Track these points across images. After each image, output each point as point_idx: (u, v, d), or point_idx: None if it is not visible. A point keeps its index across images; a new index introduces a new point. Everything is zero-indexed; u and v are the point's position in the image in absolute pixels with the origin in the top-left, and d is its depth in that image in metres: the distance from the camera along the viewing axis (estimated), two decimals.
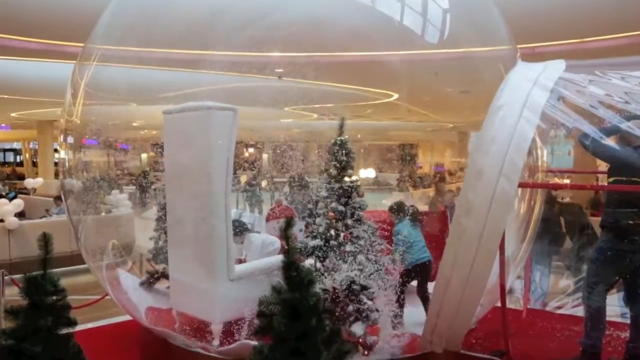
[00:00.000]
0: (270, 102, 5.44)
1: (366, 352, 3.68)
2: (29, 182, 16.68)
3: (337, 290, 3.71)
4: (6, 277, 5.57)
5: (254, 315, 2.14)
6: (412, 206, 4.72)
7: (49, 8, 7.37)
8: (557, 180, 5.90)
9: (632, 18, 7.33)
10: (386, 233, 4.13)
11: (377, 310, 3.73)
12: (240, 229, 4.66)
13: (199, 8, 4.52)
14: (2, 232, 9.05)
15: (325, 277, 3.70)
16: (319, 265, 3.77)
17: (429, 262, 4.45)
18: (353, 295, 3.68)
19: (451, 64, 4.89)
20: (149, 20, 4.51)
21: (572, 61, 3.75)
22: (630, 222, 3.60)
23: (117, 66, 4.79)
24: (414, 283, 4.54)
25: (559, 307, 5.56)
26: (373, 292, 3.74)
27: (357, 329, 3.65)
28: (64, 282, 2.38)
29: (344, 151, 3.83)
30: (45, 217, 11.07)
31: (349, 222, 3.80)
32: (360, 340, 3.65)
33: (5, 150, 36.77)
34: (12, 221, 9.17)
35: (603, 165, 4.13)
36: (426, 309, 4.31)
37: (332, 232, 3.79)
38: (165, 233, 4.70)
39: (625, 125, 3.37)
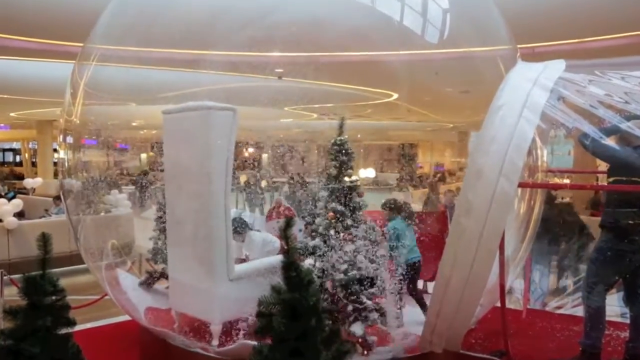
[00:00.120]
0: (270, 102, 5.43)
1: (366, 352, 3.68)
2: (28, 182, 16.66)
3: (336, 290, 3.71)
4: (5, 277, 5.56)
5: (254, 316, 2.13)
6: (405, 203, 4.71)
7: (49, 8, 7.36)
8: (557, 180, 5.90)
9: (632, 18, 7.32)
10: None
11: (377, 310, 3.73)
12: (242, 227, 4.66)
13: (199, 8, 4.52)
14: (1, 232, 9.04)
15: (325, 277, 3.70)
16: (318, 265, 3.77)
17: (419, 262, 4.46)
18: (353, 295, 3.68)
19: (451, 64, 4.89)
20: (148, 20, 4.51)
21: (572, 61, 3.74)
22: (630, 222, 3.60)
23: (117, 66, 4.79)
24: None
25: (559, 307, 5.56)
26: (373, 293, 3.74)
27: (357, 329, 3.64)
28: (63, 282, 2.38)
29: (343, 151, 3.83)
30: (44, 217, 11.06)
31: (349, 222, 3.80)
32: (360, 340, 3.65)
33: (4, 150, 36.76)
34: (11, 221, 9.15)
35: (603, 165, 4.13)
36: (422, 309, 4.33)
37: (332, 232, 3.78)
38: (165, 233, 4.70)
39: (625, 125, 3.37)
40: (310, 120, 8.24)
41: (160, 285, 5.08)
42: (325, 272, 3.74)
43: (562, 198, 8.57)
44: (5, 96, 15.75)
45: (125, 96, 5.21)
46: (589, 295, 3.74)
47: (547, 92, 3.36)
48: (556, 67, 3.62)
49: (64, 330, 2.33)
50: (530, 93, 3.35)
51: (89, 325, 5.26)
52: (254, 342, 2.33)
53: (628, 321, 3.90)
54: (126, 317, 5.00)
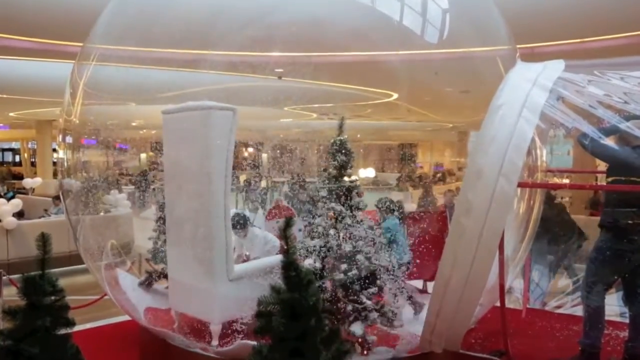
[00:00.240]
0: (270, 102, 5.44)
1: (365, 352, 3.68)
2: (28, 182, 16.66)
3: (336, 290, 3.71)
4: (4, 278, 5.56)
5: (254, 315, 2.13)
6: (398, 201, 4.71)
7: (49, 8, 7.36)
8: (556, 180, 5.90)
9: (632, 18, 7.32)
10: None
11: (377, 310, 3.73)
12: (243, 223, 4.66)
13: (199, 8, 4.52)
14: (1, 232, 9.03)
15: (325, 277, 3.70)
16: (318, 264, 3.77)
17: (409, 263, 4.46)
18: (352, 294, 3.68)
19: (451, 64, 4.89)
20: (148, 19, 4.51)
21: (571, 61, 3.75)
22: (629, 221, 3.60)
23: (116, 66, 4.79)
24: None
25: (558, 307, 5.57)
26: (373, 292, 3.73)
27: (356, 328, 3.64)
28: (62, 282, 2.37)
29: (343, 151, 3.83)
30: (43, 217, 11.05)
31: (349, 221, 3.79)
32: (360, 339, 3.65)
33: (3, 150, 36.74)
34: (10, 221, 9.14)
35: (602, 165, 4.13)
36: (416, 309, 4.34)
37: (332, 232, 3.78)
38: (164, 233, 4.70)
39: (624, 125, 3.37)
40: (310, 120, 8.24)
41: (159, 285, 5.08)
42: (325, 272, 3.74)
43: (562, 198, 8.58)
44: (5, 96, 15.74)
45: (124, 96, 5.21)
46: (588, 294, 3.75)
47: (546, 92, 3.36)
48: (555, 67, 3.62)
49: (63, 331, 2.32)
50: (529, 93, 3.36)
51: (88, 326, 5.25)
52: (254, 342, 2.33)
53: (627, 321, 3.90)
54: (126, 317, 5.00)
